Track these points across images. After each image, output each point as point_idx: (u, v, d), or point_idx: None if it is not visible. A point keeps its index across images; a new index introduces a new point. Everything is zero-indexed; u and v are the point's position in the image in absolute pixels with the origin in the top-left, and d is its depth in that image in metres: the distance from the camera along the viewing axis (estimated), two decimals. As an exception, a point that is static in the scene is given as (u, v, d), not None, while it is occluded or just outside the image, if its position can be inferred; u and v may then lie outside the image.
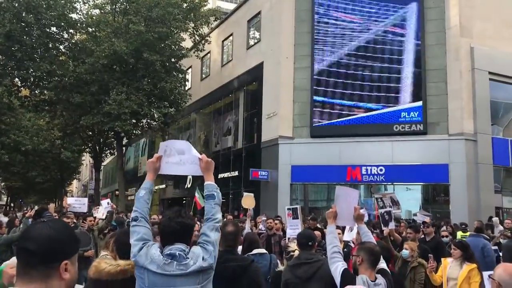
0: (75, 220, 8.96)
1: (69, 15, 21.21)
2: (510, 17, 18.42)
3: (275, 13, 20.37)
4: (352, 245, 6.77)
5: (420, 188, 17.88)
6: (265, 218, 10.40)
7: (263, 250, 4.83)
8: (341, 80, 18.46)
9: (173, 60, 22.80)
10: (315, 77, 18.77)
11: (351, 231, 6.84)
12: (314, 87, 18.66)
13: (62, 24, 21.11)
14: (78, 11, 22.00)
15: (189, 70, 28.86)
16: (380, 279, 3.48)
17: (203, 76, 28.41)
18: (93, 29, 22.05)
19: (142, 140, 38.19)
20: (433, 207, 17.29)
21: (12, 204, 53.47)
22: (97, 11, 22.94)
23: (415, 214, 15.73)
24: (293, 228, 7.64)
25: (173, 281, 2.53)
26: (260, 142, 20.29)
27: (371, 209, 15.28)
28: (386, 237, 6.63)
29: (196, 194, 15.38)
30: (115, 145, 27.41)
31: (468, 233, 10.25)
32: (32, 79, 21.97)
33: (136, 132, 25.64)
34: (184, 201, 27.06)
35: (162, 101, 22.17)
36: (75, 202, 11.38)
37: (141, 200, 2.81)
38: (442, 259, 6.09)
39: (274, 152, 18.93)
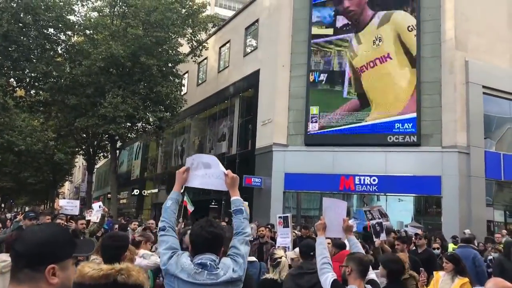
0: (65, 222, 8.91)
1: (67, 17, 21.19)
2: (504, 33, 18.67)
3: (273, 22, 20.49)
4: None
5: (413, 199, 17.93)
6: (255, 225, 10.34)
7: (253, 258, 4.88)
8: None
9: (170, 64, 22.82)
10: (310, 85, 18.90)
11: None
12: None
13: (60, 25, 21.09)
14: (76, 13, 22.01)
15: (186, 75, 28.90)
16: (370, 290, 3.50)
17: (199, 81, 28.48)
18: (91, 31, 22.05)
19: (136, 144, 38.11)
20: (425, 218, 17.33)
21: (2, 205, 53.05)
22: (95, 13, 22.93)
23: (406, 226, 15.76)
24: (284, 237, 7.63)
25: None
26: (254, 149, 20.31)
27: (363, 219, 15.27)
28: (377, 248, 6.64)
29: (185, 198, 15.22)
30: (109, 148, 27.32)
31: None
32: (28, 79, 21.91)
33: (131, 135, 25.58)
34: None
35: (157, 105, 22.21)
36: (67, 204, 11.31)
37: (168, 210, 2.90)
38: (434, 272, 6.07)
39: (268, 159, 18.96)
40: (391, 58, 18.06)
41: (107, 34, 20.82)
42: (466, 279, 5.59)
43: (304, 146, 18.74)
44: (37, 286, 1.53)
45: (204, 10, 23.39)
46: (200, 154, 3.25)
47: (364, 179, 17.52)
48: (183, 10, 22.25)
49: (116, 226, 11.06)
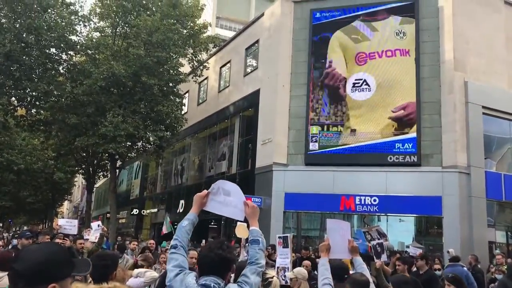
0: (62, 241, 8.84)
1: (69, 37, 21.38)
2: (503, 54, 18.83)
3: (273, 42, 20.70)
4: None
5: (413, 219, 17.82)
6: None
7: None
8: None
9: (170, 84, 22.96)
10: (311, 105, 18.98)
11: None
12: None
13: (62, 45, 21.25)
14: (78, 33, 22.24)
15: (186, 95, 29.07)
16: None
17: (200, 101, 28.62)
18: (93, 51, 22.21)
19: (135, 163, 38.07)
20: (426, 239, 17.20)
21: (1, 224, 52.64)
22: (97, 33, 23.19)
23: (408, 246, 15.63)
24: (283, 257, 7.54)
25: None
26: (254, 168, 20.28)
27: (363, 240, 15.16)
28: (378, 269, 6.56)
29: (168, 219, 16.29)
30: (108, 167, 27.27)
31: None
32: (29, 98, 22.00)
33: (131, 154, 25.56)
34: (175, 226, 26.77)
35: (158, 125, 22.25)
36: (66, 223, 11.29)
37: (183, 229, 2.94)
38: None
39: (268, 179, 18.91)
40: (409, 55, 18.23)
41: (109, 54, 21.00)
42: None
43: (304, 165, 18.72)
44: None
45: (205, 30, 23.68)
46: (224, 181, 3.22)
47: (364, 199, 17.44)
48: (185, 31, 22.51)
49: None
